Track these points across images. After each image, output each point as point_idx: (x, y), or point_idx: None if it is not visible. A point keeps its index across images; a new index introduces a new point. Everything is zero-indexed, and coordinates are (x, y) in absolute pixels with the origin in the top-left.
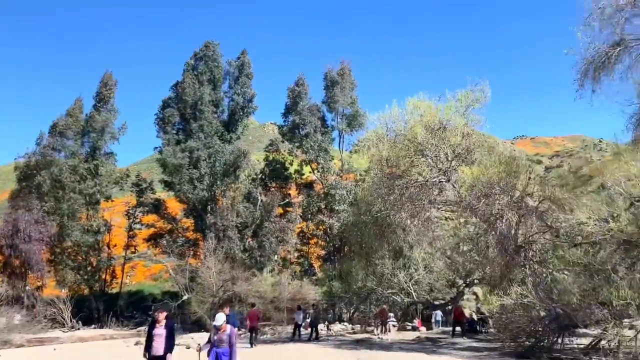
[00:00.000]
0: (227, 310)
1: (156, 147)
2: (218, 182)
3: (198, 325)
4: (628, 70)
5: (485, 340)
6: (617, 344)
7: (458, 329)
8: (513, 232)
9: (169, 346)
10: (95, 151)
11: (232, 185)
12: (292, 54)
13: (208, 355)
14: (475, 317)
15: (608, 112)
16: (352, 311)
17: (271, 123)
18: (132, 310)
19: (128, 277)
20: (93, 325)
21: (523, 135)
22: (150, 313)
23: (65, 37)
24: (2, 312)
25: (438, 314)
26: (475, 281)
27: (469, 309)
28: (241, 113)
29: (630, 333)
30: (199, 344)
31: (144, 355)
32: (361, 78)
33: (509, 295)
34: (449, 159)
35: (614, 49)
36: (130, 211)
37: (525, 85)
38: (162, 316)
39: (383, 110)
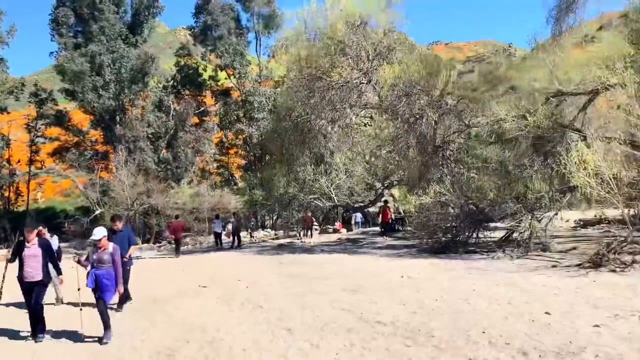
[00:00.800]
0: (119, 224)
1: (52, 53)
2: (126, 90)
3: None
4: None
5: (403, 239)
6: (528, 235)
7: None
8: (432, 132)
9: (46, 271)
10: None
11: (141, 93)
12: None
13: (87, 278)
14: (393, 217)
15: (521, 15)
16: (274, 218)
17: (183, 28)
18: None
19: (38, 194)
20: None
21: (438, 41)
22: (62, 229)
23: None
24: None
25: (358, 216)
26: (394, 183)
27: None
28: (146, 13)
29: (543, 225)
30: (75, 253)
31: (19, 282)
32: None
33: (428, 194)
34: (370, 58)
35: None
36: (31, 124)
37: None
38: (32, 235)
39: (301, 7)
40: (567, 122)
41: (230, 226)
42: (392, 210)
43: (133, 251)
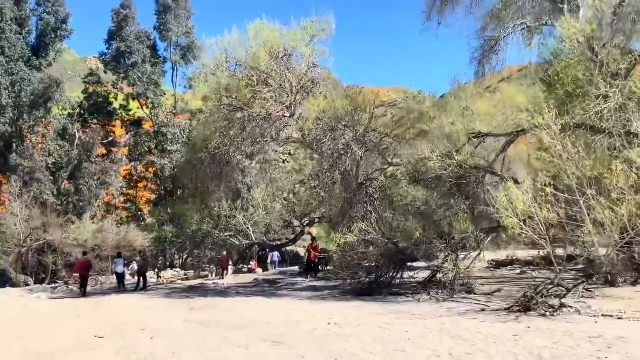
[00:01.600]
0: None
1: None
2: (25, 116)
3: (2, 279)
4: (472, 5)
5: (324, 279)
6: (453, 276)
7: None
8: (356, 168)
9: None
10: None
11: (43, 120)
12: None
13: None
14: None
15: (434, 61)
16: (184, 257)
17: (95, 57)
18: None
19: None
20: None
21: (356, 85)
22: None
23: None
24: None
25: (275, 255)
26: (316, 220)
27: (303, 248)
28: (53, 36)
29: (466, 265)
30: None
31: None
32: (200, 7)
33: (352, 233)
34: (294, 91)
35: None
36: None
37: (363, 31)
38: None
39: (222, 36)
40: (487, 163)
41: (135, 265)
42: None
43: None
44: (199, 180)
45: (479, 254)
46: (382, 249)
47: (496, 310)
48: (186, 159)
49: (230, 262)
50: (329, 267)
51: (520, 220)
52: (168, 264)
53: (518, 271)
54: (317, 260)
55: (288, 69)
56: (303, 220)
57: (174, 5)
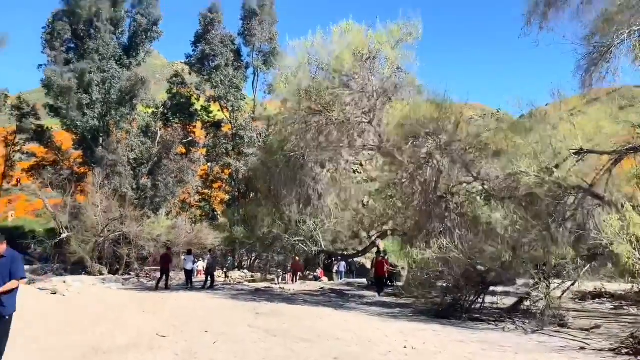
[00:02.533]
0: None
1: (40, 65)
2: (112, 112)
3: (77, 267)
4: (582, 6)
5: (393, 295)
6: (544, 306)
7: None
8: (436, 180)
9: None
10: None
11: (128, 116)
12: None
13: None
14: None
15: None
16: (253, 258)
17: (182, 62)
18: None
19: (10, 212)
20: None
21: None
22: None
23: None
24: None
25: (342, 265)
26: (388, 233)
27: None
28: (144, 37)
29: (557, 295)
30: None
31: None
32: (284, 13)
33: (431, 249)
34: (376, 95)
35: None
36: (9, 138)
37: (451, 41)
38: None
39: (306, 38)
40: (586, 184)
41: (204, 263)
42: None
43: (10, 287)
44: (273, 183)
45: (574, 283)
46: (463, 269)
47: (599, 350)
48: (261, 160)
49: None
50: (398, 283)
51: (636, 249)
52: (236, 264)
53: (610, 306)
54: (388, 274)
55: (371, 72)
56: (371, 232)
57: (259, 11)
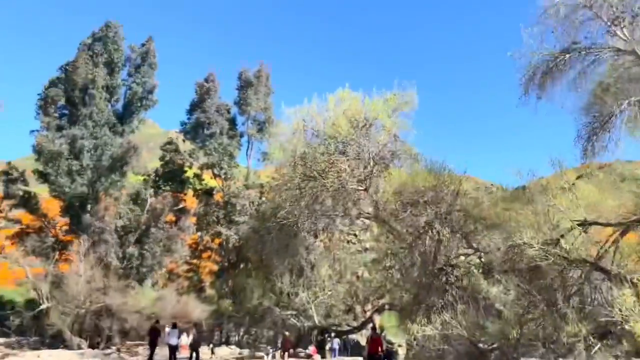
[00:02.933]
0: None
1: (32, 131)
2: (102, 179)
3: (56, 340)
4: (578, 77)
5: None
6: None
7: None
8: (436, 250)
9: None
10: None
11: (118, 183)
12: (206, 54)
13: None
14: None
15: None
16: (241, 333)
17: (176, 131)
18: None
19: None
20: None
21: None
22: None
23: None
24: None
25: (335, 342)
26: (385, 307)
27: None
28: (139, 104)
29: None
30: None
31: None
32: (280, 84)
33: (433, 324)
34: (372, 162)
35: (564, 55)
36: None
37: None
38: None
39: (301, 105)
40: (591, 257)
41: (188, 338)
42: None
43: None
44: (264, 252)
45: None
46: (467, 348)
47: None
48: (253, 228)
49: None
50: None
51: None
52: (223, 339)
53: None
54: (384, 352)
55: (367, 139)
56: (367, 307)
57: (255, 81)
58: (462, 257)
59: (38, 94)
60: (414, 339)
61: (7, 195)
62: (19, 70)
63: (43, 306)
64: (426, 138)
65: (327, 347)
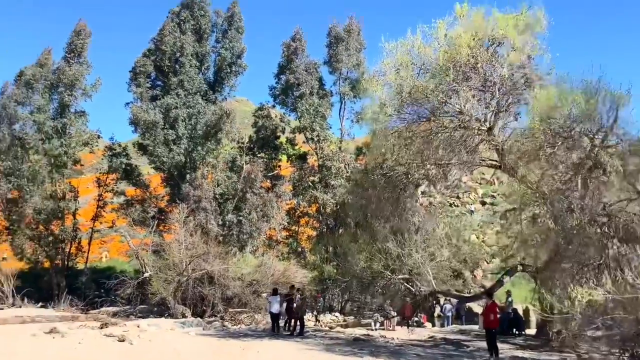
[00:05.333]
0: None
1: (127, 103)
2: (199, 147)
3: (161, 308)
4: None
5: (527, 347)
6: None
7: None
8: (596, 194)
9: None
10: (64, 108)
11: (214, 151)
12: (292, 14)
13: None
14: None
15: None
16: (345, 300)
17: (268, 106)
18: (98, 288)
19: (103, 252)
20: (40, 303)
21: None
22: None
23: None
24: None
25: (447, 308)
26: (518, 268)
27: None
28: (228, 70)
29: None
30: None
31: None
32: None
33: (603, 286)
34: (503, 90)
35: None
36: (102, 177)
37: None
38: None
39: (404, 37)
40: None
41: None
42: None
43: None
44: (369, 210)
45: None
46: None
47: None
48: (355, 182)
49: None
50: (525, 332)
51: None
52: (326, 306)
53: None
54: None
55: (496, 58)
56: (476, 271)
57: (345, 36)
58: (625, 203)
59: (131, 69)
60: (575, 306)
61: (111, 170)
62: (117, 50)
63: (146, 274)
64: (563, 63)
65: (436, 313)
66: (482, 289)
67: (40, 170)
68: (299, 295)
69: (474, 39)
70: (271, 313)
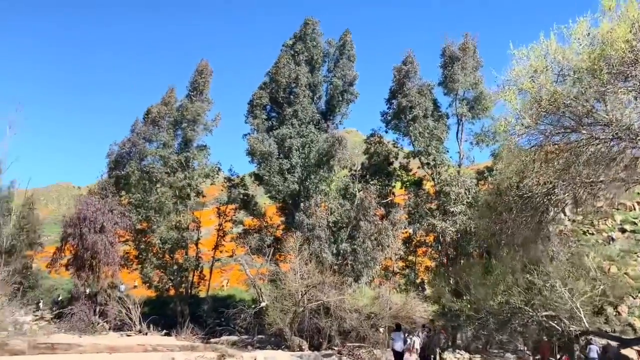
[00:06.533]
0: None
1: (245, 135)
2: (311, 176)
3: (277, 339)
4: None
5: None
6: None
7: None
8: None
9: None
10: (187, 143)
11: (326, 179)
12: (400, 39)
13: None
14: None
15: None
16: (467, 335)
17: (378, 135)
18: (218, 316)
19: (224, 280)
20: (164, 331)
21: None
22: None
23: (160, 28)
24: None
25: (593, 350)
26: None
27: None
28: (340, 98)
29: None
30: None
31: None
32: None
33: None
34: None
35: None
36: (222, 208)
37: None
38: None
39: (537, 42)
40: None
41: (414, 341)
42: None
43: None
44: (502, 235)
45: None
46: None
47: None
48: (487, 203)
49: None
50: None
51: None
52: (449, 343)
53: None
54: None
55: None
56: (619, 307)
57: (461, 55)
58: None
59: (248, 102)
60: None
61: (230, 200)
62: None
63: (263, 304)
64: None
65: (576, 355)
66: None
67: (166, 201)
68: (425, 332)
69: (630, 32)
70: (394, 351)
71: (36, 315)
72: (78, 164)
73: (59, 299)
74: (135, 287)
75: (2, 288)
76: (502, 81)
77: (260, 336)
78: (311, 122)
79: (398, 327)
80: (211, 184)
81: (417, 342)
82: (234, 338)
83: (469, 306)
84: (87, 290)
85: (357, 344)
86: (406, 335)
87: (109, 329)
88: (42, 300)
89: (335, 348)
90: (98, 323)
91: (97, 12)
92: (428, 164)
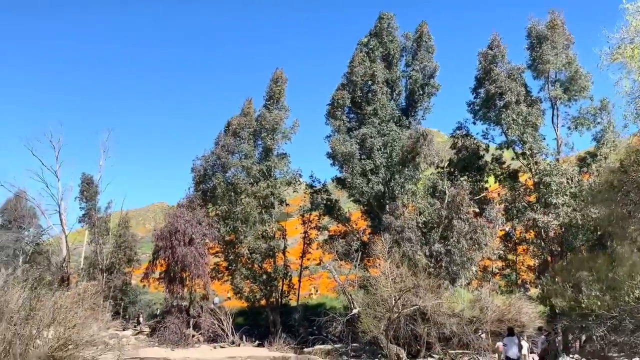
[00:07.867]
0: None
1: (327, 137)
2: (396, 175)
3: (373, 347)
4: None
5: None
6: None
7: None
8: None
9: None
10: (268, 152)
11: (413, 178)
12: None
13: None
14: None
15: None
16: (581, 339)
17: (466, 128)
18: (310, 325)
19: (313, 288)
20: (257, 342)
21: None
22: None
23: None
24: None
25: None
26: None
27: None
28: (421, 92)
29: None
30: None
31: None
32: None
33: None
34: None
35: None
36: (306, 216)
37: None
38: None
39: None
40: None
41: (527, 347)
42: None
43: None
44: (633, 218)
45: None
46: None
47: None
48: (608, 181)
49: None
50: None
51: None
52: (561, 347)
53: None
54: None
55: None
56: None
57: (549, 33)
58: None
59: (327, 104)
60: None
61: (313, 206)
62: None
63: (355, 311)
64: None
65: None
66: None
67: (251, 211)
68: (544, 335)
69: None
70: (508, 358)
71: (136, 330)
72: (169, 184)
73: (157, 312)
74: (228, 298)
75: (99, 304)
76: (616, 40)
77: (354, 344)
78: (391, 120)
79: (511, 332)
80: (294, 192)
81: (525, 346)
82: (327, 347)
83: (582, 305)
84: (181, 303)
85: (460, 351)
86: (520, 340)
87: (203, 341)
88: (141, 315)
89: (435, 356)
90: (192, 335)
91: (161, 41)
92: (524, 153)
